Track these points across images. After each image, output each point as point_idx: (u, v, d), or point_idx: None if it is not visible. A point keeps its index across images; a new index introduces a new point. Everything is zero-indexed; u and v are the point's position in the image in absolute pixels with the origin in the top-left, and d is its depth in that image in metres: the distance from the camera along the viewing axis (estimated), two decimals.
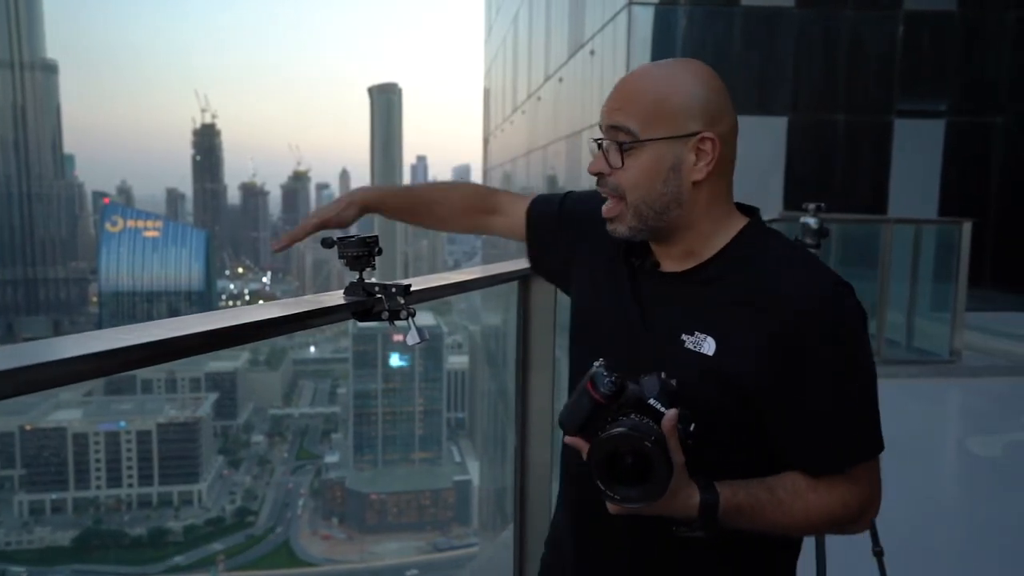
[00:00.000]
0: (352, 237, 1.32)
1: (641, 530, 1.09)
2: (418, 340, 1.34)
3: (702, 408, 1.03)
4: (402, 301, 1.34)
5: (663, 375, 1.01)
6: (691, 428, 1.01)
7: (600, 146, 1.11)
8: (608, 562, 1.18)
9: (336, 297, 1.35)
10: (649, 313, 1.13)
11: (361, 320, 1.35)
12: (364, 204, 1.42)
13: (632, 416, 0.97)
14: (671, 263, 1.15)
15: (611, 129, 1.09)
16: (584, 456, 0.99)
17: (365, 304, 1.33)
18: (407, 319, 1.34)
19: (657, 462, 0.94)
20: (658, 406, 0.98)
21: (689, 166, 1.09)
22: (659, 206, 1.09)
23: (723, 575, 1.14)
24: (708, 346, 1.06)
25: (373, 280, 1.36)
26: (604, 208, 1.13)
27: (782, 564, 1.20)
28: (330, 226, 1.37)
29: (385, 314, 1.33)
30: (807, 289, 1.06)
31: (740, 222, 1.14)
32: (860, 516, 1.10)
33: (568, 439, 1.01)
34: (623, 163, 1.08)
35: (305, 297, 1.32)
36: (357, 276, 1.35)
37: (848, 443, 1.08)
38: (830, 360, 1.05)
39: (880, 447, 1.09)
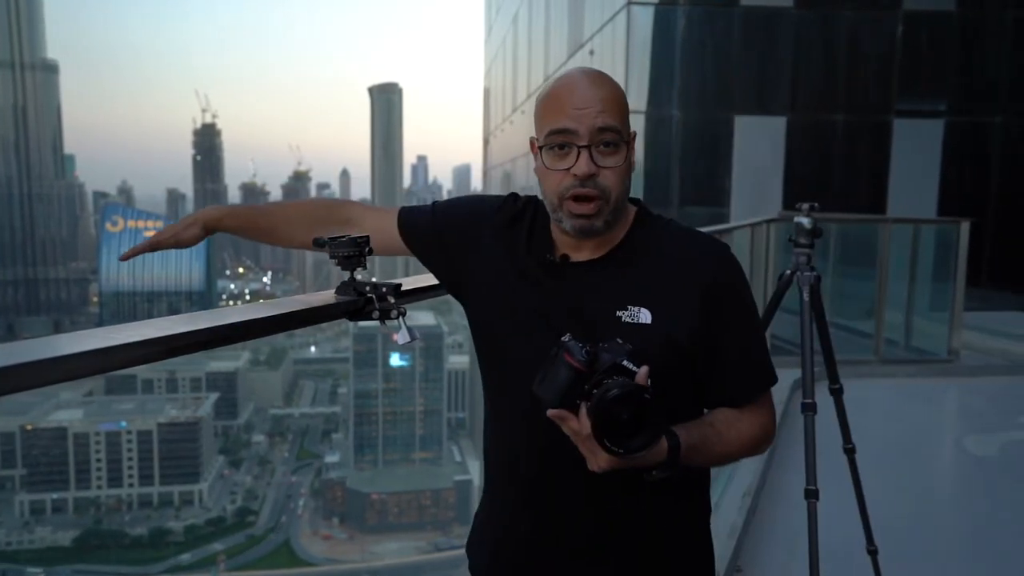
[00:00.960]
0: (343, 237, 1.33)
1: (598, 488, 1.19)
2: (408, 339, 1.35)
3: (651, 372, 1.12)
4: (393, 300, 1.35)
5: (619, 340, 1.10)
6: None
7: (580, 149, 1.17)
8: (571, 527, 1.26)
9: (327, 296, 1.36)
10: (577, 300, 1.22)
11: (352, 319, 1.36)
12: (206, 223, 1.43)
13: (614, 378, 1.06)
14: (584, 253, 1.25)
15: (601, 131, 1.16)
16: (568, 425, 1.08)
17: (356, 303, 1.34)
18: (398, 318, 1.35)
19: (654, 412, 1.04)
20: (631, 366, 1.07)
21: (632, 162, 1.23)
22: (623, 200, 1.23)
23: (665, 511, 1.27)
24: (644, 316, 1.19)
25: (364, 279, 1.36)
26: (587, 207, 1.18)
27: (699, 490, 1.34)
28: (164, 246, 1.39)
29: (376, 313, 1.34)
30: (711, 251, 1.25)
31: (633, 208, 1.28)
32: (770, 436, 1.29)
33: (552, 412, 1.08)
34: (612, 162, 1.18)
35: (296, 297, 1.33)
36: (348, 276, 1.36)
37: (761, 374, 1.27)
38: (739, 307, 1.25)
39: (775, 377, 1.28)
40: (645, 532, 1.25)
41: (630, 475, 1.12)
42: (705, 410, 1.28)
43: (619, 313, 1.19)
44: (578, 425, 1.06)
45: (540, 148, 1.21)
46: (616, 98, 1.19)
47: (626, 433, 1.04)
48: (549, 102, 1.20)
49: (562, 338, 1.10)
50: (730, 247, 1.28)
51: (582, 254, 1.25)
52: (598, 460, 1.07)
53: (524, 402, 1.15)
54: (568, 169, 1.17)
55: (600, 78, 1.21)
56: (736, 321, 1.24)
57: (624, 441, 1.04)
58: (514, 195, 1.38)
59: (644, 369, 1.06)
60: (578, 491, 1.22)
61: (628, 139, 1.20)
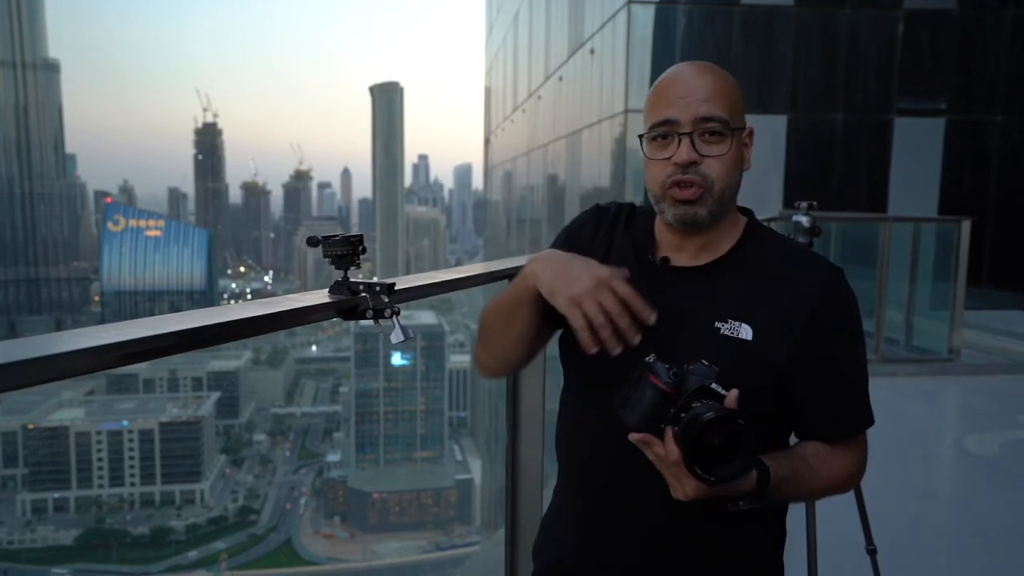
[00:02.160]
0: (336, 236, 1.33)
1: (672, 512, 1.12)
2: (403, 338, 1.34)
3: (743, 388, 1.07)
4: (386, 299, 1.35)
5: (704, 361, 1.05)
6: None
7: (682, 137, 1.14)
8: (639, 547, 1.20)
9: (321, 295, 1.35)
10: (677, 306, 1.17)
11: (346, 319, 1.35)
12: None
13: (703, 402, 1.00)
14: (685, 258, 1.21)
15: (703, 120, 1.14)
16: (652, 451, 1.02)
17: (349, 303, 1.33)
18: (391, 317, 1.35)
19: (748, 438, 0.98)
20: (719, 389, 1.01)
21: (747, 157, 1.21)
22: (731, 193, 1.18)
23: (740, 539, 1.20)
24: (745, 331, 1.14)
25: (358, 279, 1.36)
26: (688, 192, 1.15)
27: (776, 519, 1.28)
28: None
29: (369, 312, 1.34)
30: (821, 273, 1.19)
31: (743, 219, 1.24)
32: (858, 477, 1.24)
33: (635, 436, 1.03)
34: (716, 151, 1.15)
35: (289, 296, 1.32)
36: (342, 275, 1.35)
37: (861, 410, 1.21)
38: (846, 335, 1.18)
39: (873, 418, 1.22)
40: (717, 559, 1.20)
41: (708, 501, 1.06)
42: (793, 439, 1.23)
43: (718, 325, 1.14)
44: (664, 451, 1.01)
45: (644, 139, 1.19)
46: (723, 89, 1.16)
47: (716, 460, 0.98)
48: (654, 95, 1.19)
49: (647, 359, 1.04)
50: (845, 272, 1.21)
51: (684, 257, 1.21)
52: (685, 488, 1.01)
53: (607, 415, 1.08)
54: (669, 158, 1.15)
55: (707, 69, 1.18)
56: (842, 354, 1.18)
57: (715, 469, 0.98)
58: (597, 205, 1.35)
59: (734, 392, 1.00)
60: (652, 512, 1.17)
61: (737, 131, 1.17)
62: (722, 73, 1.19)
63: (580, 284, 1.08)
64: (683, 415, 0.99)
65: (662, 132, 1.16)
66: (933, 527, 3.77)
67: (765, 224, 1.26)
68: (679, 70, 1.19)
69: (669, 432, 1.01)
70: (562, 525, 1.31)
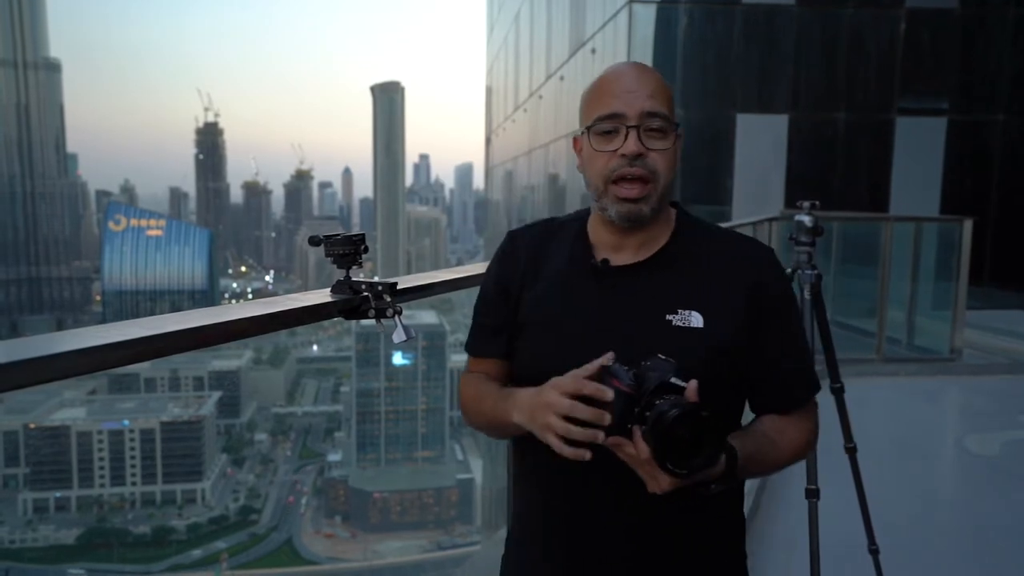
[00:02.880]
0: (338, 235, 1.33)
1: (635, 508, 1.16)
2: (404, 338, 1.34)
3: (700, 377, 1.08)
4: (388, 299, 1.35)
5: (661, 356, 1.06)
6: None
7: (629, 130, 1.16)
8: (608, 547, 1.20)
9: (323, 295, 1.35)
10: (625, 304, 1.19)
11: (348, 318, 1.35)
12: None
13: (665, 398, 1.01)
14: (625, 256, 1.22)
15: (648, 115, 1.16)
16: (623, 451, 1.03)
17: (352, 302, 1.33)
18: (394, 317, 1.35)
19: (714, 427, 1.00)
20: (679, 382, 1.03)
21: (680, 154, 1.22)
22: (670, 189, 1.21)
23: (695, 535, 1.22)
24: (696, 319, 1.16)
25: (360, 278, 1.36)
26: (634, 190, 1.17)
27: (734, 507, 1.31)
28: None
29: (371, 312, 1.33)
30: (757, 254, 1.24)
31: (673, 211, 1.27)
32: (814, 442, 1.29)
33: (608, 441, 1.03)
34: (660, 145, 1.17)
35: (291, 295, 1.32)
36: (344, 274, 1.35)
37: (808, 378, 1.26)
38: (786, 309, 1.24)
39: (819, 383, 1.28)
40: (688, 549, 1.21)
41: (681, 492, 1.08)
42: (752, 415, 1.26)
43: (669, 317, 1.16)
44: (635, 450, 1.02)
45: (586, 133, 1.20)
46: (664, 88, 1.19)
47: (685, 453, 1.00)
48: (597, 89, 1.21)
49: (604, 363, 1.05)
50: (774, 251, 1.27)
51: (624, 256, 1.22)
52: (660, 483, 1.02)
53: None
54: (616, 150, 1.16)
55: (648, 69, 1.22)
56: (783, 326, 1.22)
57: (685, 461, 1.00)
58: (510, 232, 1.35)
59: (693, 384, 1.01)
60: (615, 512, 1.19)
61: (675, 129, 1.19)
62: (659, 74, 1.22)
63: (541, 415, 1.06)
64: (648, 414, 1.00)
65: (609, 126, 1.17)
66: (935, 527, 3.77)
67: (693, 215, 1.29)
68: (621, 68, 1.21)
69: (637, 432, 1.01)
70: (534, 544, 1.29)
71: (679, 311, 1.16)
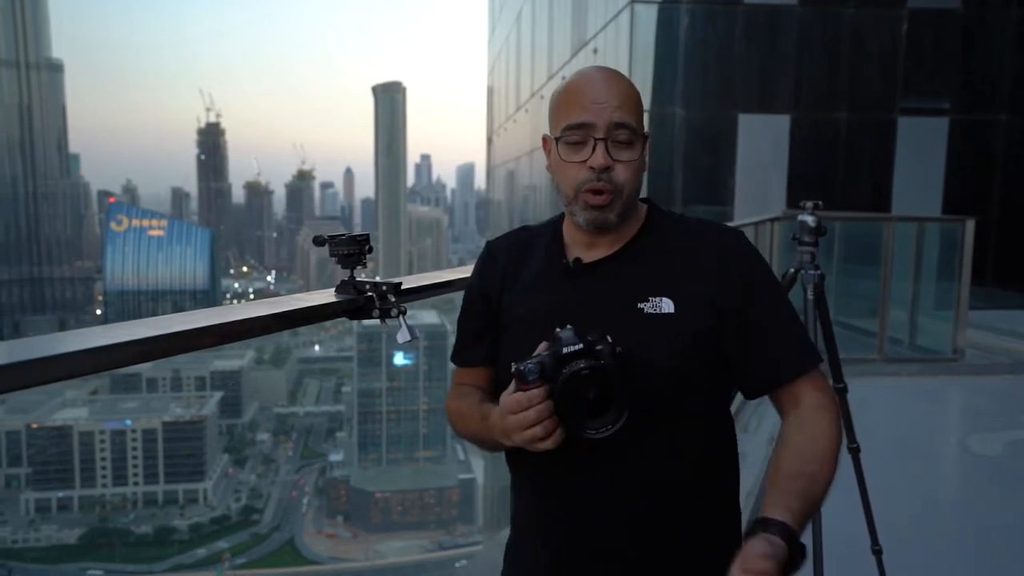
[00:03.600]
0: (343, 235, 1.33)
1: (633, 502, 1.18)
2: (409, 338, 1.34)
3: (677, 361, 1.15)
4: (393, 299, 1.35)
5: (559, 329, 1.09)
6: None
7: (597, 142, 1.18)
8: (603, 542, 1.21)
9: (327, 295, 1.35)
10: (596, 298, 1.22)
11: (352, 318, 1.35)
12: None
13: (578, 362, 1.04)
14: (598, 253, 1.25)
15: (617, 127, 1.18)
16: (519, 402, 1.07)
17: (356, 302, 1.34)
18: (398, 317, 1.35)
19: (615, 378, 1.02)
20: (571, 348, 1.05)
21: (645, 162, 1.24)
22: (635, 197, 1.24)
23: (696, 519, 1.23)
24: (667, 305, 1.18)
25: (364, 278, 1.36)
26: (599, 199, 1.19)
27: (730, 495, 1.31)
28: None
29: (376, 312, 1.34)
30: (723, 235, 1.26)
31: (644, 207, 1.30)
32: (838, 419, 1.20)
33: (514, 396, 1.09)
34: (626, 156, 1.19)
35: (296, 295, 1.32)
36: (348, 274, 1.35)
37: (801, 348, 1.22)
38: (763, 283, 1.23)
39: (819, 353, 1.26)
40: (679, 549, 1.21)
41: (681, 490, 1.11)
42: (756, 400, 1.26)
43: (640, 305, 1.18)
44: (526, 399, 1.06)
45: (556, 142, 1.22)
46: (632, 96, 1.21)
47: (592, 412, 1.03)
48: (566, 97, 1.22)
49: (512, 368, 1.09)
50: (744, 234, 1.29)
51: (596, 254, 1.25)
52: (554, 439, 1.07)
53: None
54: (584, 162, 1.19)
55: (617, 76, 1.23)
56: (763, 297, 1.22)
57: (591, 420, 1.03)
58: (488, 243, 1.39)
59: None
60: (611, 510, 1.19)
61: (642, 137, 1.21)
62: (629, 81, 1.23)
63: (512, 436, 1.10)
64: (563, 371, 1.03)
65: (577, 136, 1.19)
66: (938, 527, 3.77)
67: (663, 208, 1.33)
68: (591, 75, 1.22)
69: (543, 388, 1.05)
70: (531, 543, 1.30)
71: (650, 299, 1.18)
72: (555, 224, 1.33)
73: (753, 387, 1.23)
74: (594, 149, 1.17)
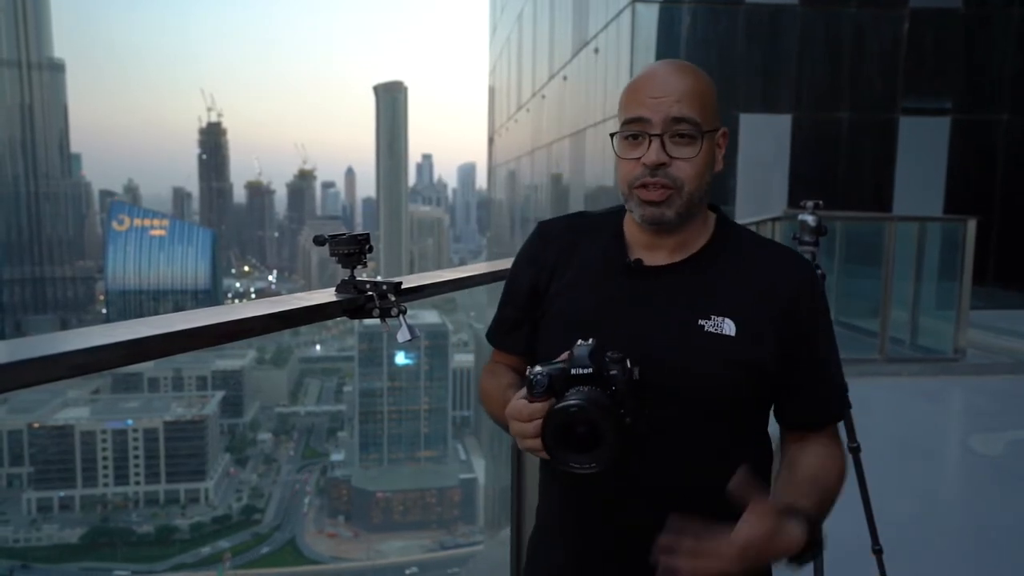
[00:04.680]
0: (343, 235, 1.33)
1: (648, 499, 1.16)
2: (409, 337, 1.34)
3: (728, 384, 1.14)
4: (393, 298, 1.35)
5: (591, 340, 1.06)
6: (643, 410, 1.06)
7: (652, 138, 1.14)
8: (618, 538, 1.20)
9: (328, 294, 1.35)
10: (658, 306, 1.18)
11: (353, 318, 1.35)
12: None
13: (583, 389, 1.02)
14: (660, 257, 1.21)
15: (674, 121, 1.13)
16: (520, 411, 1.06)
17: (356, 301, 1.34)
18: (398, 316, 1.35)
19: (604, 420, 0.99)
20: (581, 371, 1.03)
21: (718, 158, 1.20)
22: (701, 194, 1.18)
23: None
24: (728, 327, 1.14)
25: (364, 277, 1.36)
26: (655, 194, 1.15)
27: None
28: None
29: (376, 311, 1.34)
30: (794, 265, 1.22)
31: (712, 216, 1.25)
32: (845, 462, 1.26)
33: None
34: (686, 153, 1.15)
35: (296, 295, 1.33)
36: (349, 274, 1.36)
37: (839, 394, 1.25)
38: (821, 324, 1.21)
39: (849, 402, 1.28)
40: None
41: (686, 494, 1.10)
42: (778, 428, 1.25)
43: (702, 322, 1.14)
44: (528, 409, 1.04)
45: (618, 136, 1.19)
46: (697, 90, 1.16)
47: (581, 445, 1.01)
48: (629, 92, 1.19)
49: (527, 372, 1.07)
50: (812, 264, 1.28)
51: (659, 257, 1.21)
52: (531, 445, 1.05)
53: None
54: (639, 158, 1.15)
55: (684, 69, 1.18)
56: (821, 343, 1.21)
57: (574, 454, 1.01)
58: (541, 223, 1.35)
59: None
60: (626, 507, 1.18)
61: (709, 133, 1.16)
62: (698, 73, 1.18)
63: (517, 439, 1.09)
64: (555, 404, 1.01)
65: (633, 131, 1.16)
66: (939, 527, 3.77)
67: (733, 220, 1.28)
68: (654, 69, 1.19)
69: (547, 404, 1.03)
70: (551, 535, 1.30)
71: (712, 317, 1.14)
72: (616, 216, 1.28)
73: (785, 420, 1.24)
74: (649, 145, 1.14)
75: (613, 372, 1.03)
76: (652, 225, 1.17)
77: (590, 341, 1.06)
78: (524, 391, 1.07)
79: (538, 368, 1.05)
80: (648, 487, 1.15)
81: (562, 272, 1.25)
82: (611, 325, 1.16)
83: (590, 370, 1.03)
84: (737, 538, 0.98)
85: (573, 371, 1.03)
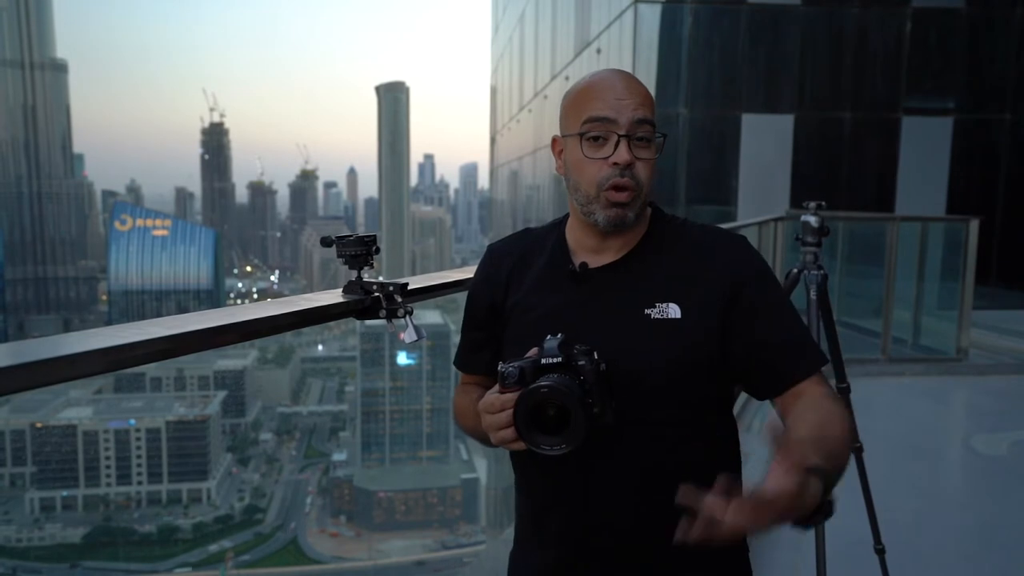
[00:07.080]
0: (350, 236, 1.34)
1: (633, 497, 1.19)
2: (415, 338, 1.36)
3: (681, 366, 1.16)
4: (399, 299, 1.36)
5: (560, 335, 1.10)
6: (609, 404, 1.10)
7: (620, 138, 1.17)
8: (604, 538, 1.21)
9: (335, 295, 1.37)
10: (605, 302, 1.22)
11: (360, 318, 1.36)
12: None
13: (552, 375, 1.06)
14: (605, 258, 1.24)
15: (638, 123, 1.18)
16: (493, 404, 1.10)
17: (363, 302, 1.35)
18: (404, 317, 1.36)
19: (572, 401, 1.03)
20: (550, 360, 1.07)
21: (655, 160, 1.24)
22: (649, 194, 1.23)
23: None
24: (673, 311, 1.18)
25: (371, 279, 1.37)
26: (623, 195, 1.18)
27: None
28: None
29: (383, 312, 1.35)
30: (730, 243, 1.25)
31: (648, 209, 1.28)
32: (846, 413, 1.19)
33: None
34: (646, 155, 1.20)
35: (304, 296, 1.34)
36: (356, 275, 1.37)
37: (806, 351, 1.20)
38: (769, 292, 1.22)
39: (824, 355, 1.23)
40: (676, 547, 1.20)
41: (658, 488, 1.10)
42: (768, 403, 1.23)
43: (647, 311, 1.18)
44: (499, 401, 1.08)
45: (579, 137, 1.19)
46: (650, 97, 1.22)
47: (548, 427, 1.04)
48: (586, 93, 1.21)
49: (499, 367, 1.10)
50: (748, 239, 1.29)
51: (603, 258, 1.25)
52: (505, 439, 1.08)
53: None
54: (607, 158, 1.18)
55: (633, 77, 1.24)
56: (769, 305, 1.21)
57: (544, 436, 1.04)
58: (489, 247, 1.39)
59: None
60: (611, 506, 1.20)
61: (658, 137, 1.22)
62: (636, 79, 1.24)
63: (491, 432, 1.12)
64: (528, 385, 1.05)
65: (598, 131, 1.18)
66: (941, 527, 3.77)
67: (667, 212, 1.32)
68: (610, 75, 1.22)
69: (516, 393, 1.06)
70: (533, 540, 1.31)
71: (656, 304, 1.18)
72: (558, 226, 1.32)
73: (761, 391, 1.22)
74: (617, 145, 1.17)
75: (581, 363, 1.07)
76: (613, 227, 1.20)
77: (559, 335, 1.10)
78: (496, 387, 1.10)
79: (509, 362, 1.09)
80: (621, 476, 1.17)
81: (516, 287, 1.30)
82: (562, 328, 1.18)
83: (560, 359, 1.07)
84: (766, 492, 0.93)
85: (543, 361, 1.07)
